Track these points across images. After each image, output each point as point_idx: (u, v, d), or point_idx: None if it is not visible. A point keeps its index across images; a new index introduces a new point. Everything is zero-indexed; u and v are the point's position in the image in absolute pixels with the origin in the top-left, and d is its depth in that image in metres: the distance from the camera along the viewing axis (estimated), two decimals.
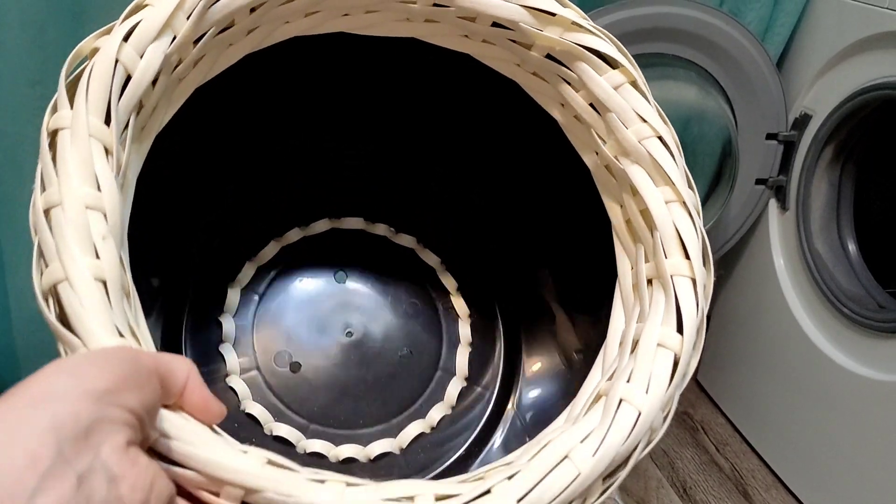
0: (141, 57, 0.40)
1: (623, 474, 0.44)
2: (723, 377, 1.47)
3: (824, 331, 1.19)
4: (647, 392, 0.45)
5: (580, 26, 0.55)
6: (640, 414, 0.44)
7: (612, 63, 0.56)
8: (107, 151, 0.40)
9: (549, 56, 0.58)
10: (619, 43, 0.56)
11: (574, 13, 0.55)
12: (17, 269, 1.03)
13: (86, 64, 0.41)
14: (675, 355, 0.48)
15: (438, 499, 0.36)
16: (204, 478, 0.34)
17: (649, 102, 0.56)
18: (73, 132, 0.40)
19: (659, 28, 1.09)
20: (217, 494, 0.34)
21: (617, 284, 0.60)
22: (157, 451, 0.35)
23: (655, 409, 0.45)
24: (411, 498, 0.35)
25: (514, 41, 0.58)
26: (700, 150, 1.19)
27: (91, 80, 0.40)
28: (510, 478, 0.39)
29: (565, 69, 0.57)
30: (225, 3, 0.45)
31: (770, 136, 1.21)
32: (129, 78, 0.41)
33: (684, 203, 0.53)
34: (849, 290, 1.15)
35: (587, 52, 0.55)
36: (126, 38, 0.40)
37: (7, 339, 1.08)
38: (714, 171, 1.22)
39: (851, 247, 1.21)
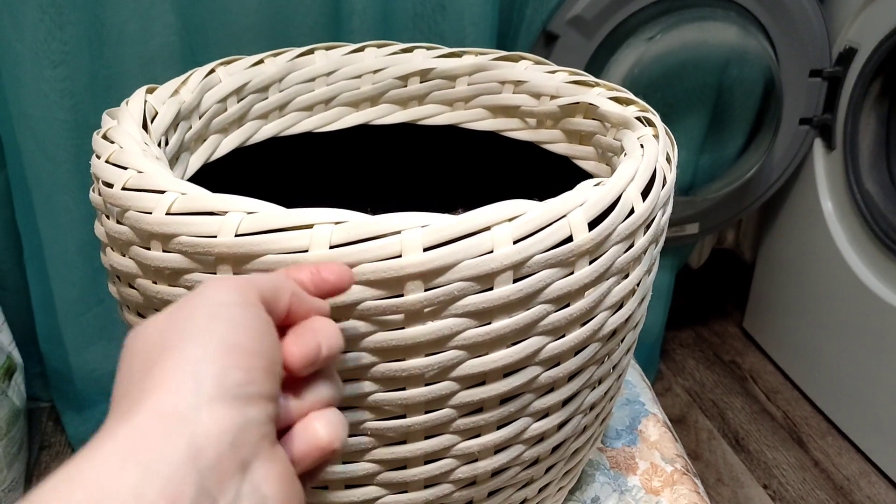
0: (162, 104, 0.48)
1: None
2: (770, 325, 1.44)
3: (877, 273, 1.15)
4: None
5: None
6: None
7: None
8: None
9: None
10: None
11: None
12: (58, 255, 1.03)
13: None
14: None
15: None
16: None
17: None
18: (121, 124, 0.44)
19: None
20: None
21: None
22: None
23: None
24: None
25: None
26: (740, 92, 1.15)
27: (130, 102, 0.47)
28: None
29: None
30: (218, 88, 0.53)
31: (813, 73, 1.16)
32: (155, 114, 0.47)
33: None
34: None
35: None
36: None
37: (52, 324, 1.09)
38: (756, 114, 1.17)
39: None
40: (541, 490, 0.47)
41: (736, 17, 1.08)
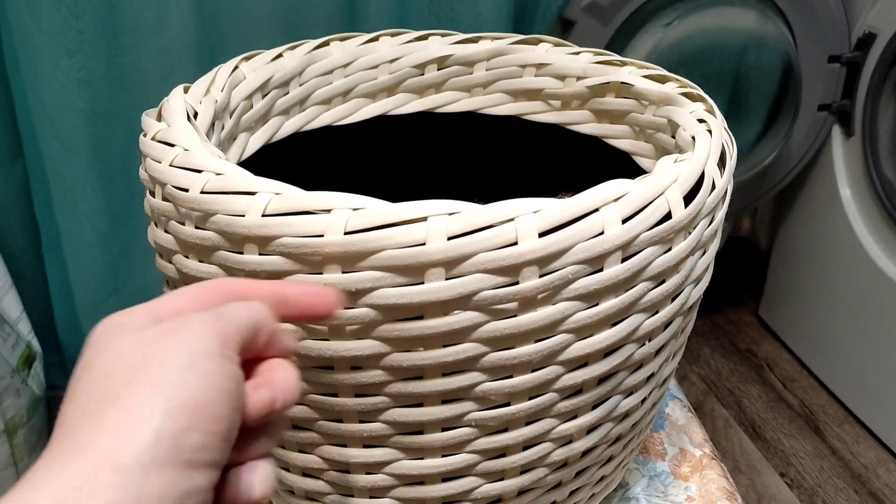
0: (199, 103, 0.47)
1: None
2: (787, 313, 1.43)
3: None
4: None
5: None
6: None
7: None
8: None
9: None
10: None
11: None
12: (76, 244, 1.03)
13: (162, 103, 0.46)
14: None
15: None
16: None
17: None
18: (175, 126, 0.42)
19: None
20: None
21: None
22: None
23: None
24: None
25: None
26: (758, 78, 1.14)
27: (171, 102, 0.45)
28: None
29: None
30: (244, 84, 0.53)
31: (832, 59, 1.15)
32: (195, 114, 0.46)
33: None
34: None
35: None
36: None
37: (70, 313, 1.09)
38: (773, 100, 1.16)
39: None
40: (616, 467, 0.48)
41: (754, 2, 1.07)
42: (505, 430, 0.38)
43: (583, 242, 0.33)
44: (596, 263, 0.34)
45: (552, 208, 0.33)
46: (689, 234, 0.37)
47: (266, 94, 0.55)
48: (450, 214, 0.32)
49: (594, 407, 0.40)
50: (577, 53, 0.57)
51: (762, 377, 1.39)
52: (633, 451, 0.50)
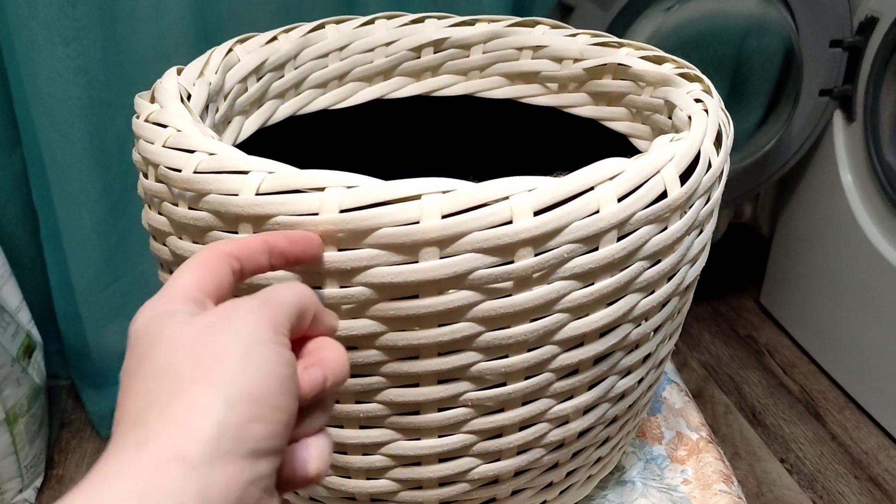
0: (192, 86, 0.47)
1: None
2: (787, 299, 1.43)
3: None
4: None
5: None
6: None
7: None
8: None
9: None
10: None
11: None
12: (74, 233, 1.03)
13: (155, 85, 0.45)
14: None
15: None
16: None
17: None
18: (168, 107, 0.42)
19: None
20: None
21: None
22: None
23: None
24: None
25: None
26: (760, 63, 1.13)
27: (164, 84, 0.45)
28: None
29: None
30: (239, 67, 0.52)
31: (834, 44, 1.14)
32: (189, 96, 0.46)
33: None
34: None
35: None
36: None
37: (70, 302, 1.09)
38: (775, 85, 1.16)
39: None
40: (612, 448, 0.48)
41: None
42: (501, 411, 0.38)
43: (578, 221, 0.33)
44: (591, 242, 0.34)
45: (547, 187, 0.33)
46: (685, 213, 0.37)
47: (261, 77, 0.54)
48: (444, 192, 0.32)
49: (590, 387, 0.40)
50: (574, 35, 0.57)
51: (762, 363, 1.38)
52: (629, 432, 0.50)
